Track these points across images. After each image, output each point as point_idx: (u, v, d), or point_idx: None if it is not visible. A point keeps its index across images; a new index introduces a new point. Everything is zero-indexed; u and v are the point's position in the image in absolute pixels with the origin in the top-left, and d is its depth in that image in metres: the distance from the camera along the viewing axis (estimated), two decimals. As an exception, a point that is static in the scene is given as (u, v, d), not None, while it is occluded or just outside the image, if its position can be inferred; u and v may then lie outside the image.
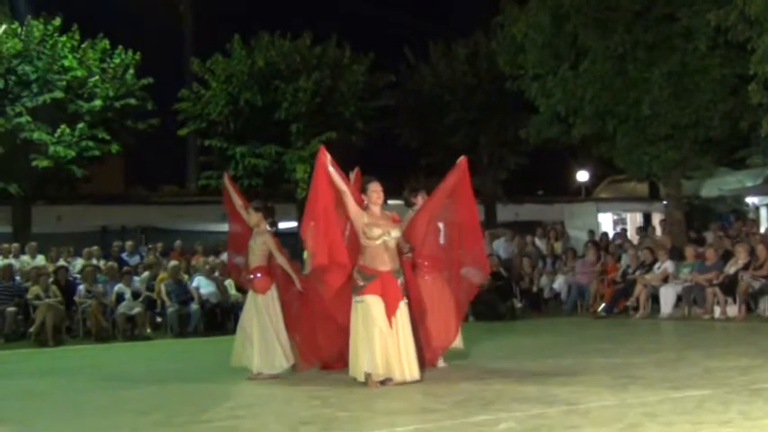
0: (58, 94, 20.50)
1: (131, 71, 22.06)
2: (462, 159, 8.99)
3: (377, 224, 7.97)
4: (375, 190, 8.12)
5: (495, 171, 26.85)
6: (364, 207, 8.08)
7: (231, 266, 11.31)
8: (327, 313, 8.74)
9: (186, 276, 17.11)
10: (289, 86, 22.36)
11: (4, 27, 20.50)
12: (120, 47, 22.17)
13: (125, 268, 17.24)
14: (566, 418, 5.86)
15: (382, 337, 7.74)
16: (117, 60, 21.93)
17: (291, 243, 12.57)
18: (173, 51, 31.26)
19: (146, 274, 17.24)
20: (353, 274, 8.00)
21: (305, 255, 9.41)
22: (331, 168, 8.00)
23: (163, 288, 16.43)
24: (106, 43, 22.04)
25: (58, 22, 21.06)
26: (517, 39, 18.41)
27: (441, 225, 9.09)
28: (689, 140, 17.91)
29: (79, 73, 21.02)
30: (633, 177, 24.63)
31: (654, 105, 17.11)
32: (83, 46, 21.62)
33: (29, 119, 20.17)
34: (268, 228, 9.26)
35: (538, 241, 20.69)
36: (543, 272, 18.92)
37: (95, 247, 18.97)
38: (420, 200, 9.16)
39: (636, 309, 15.83)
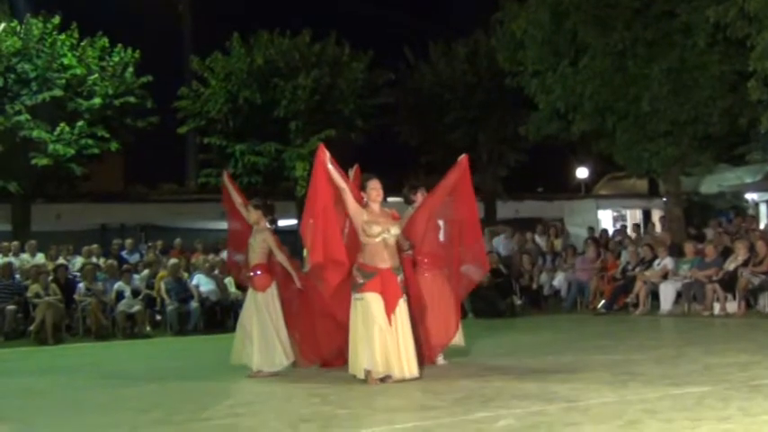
0: (58, 93, 20.51)
1: (131, 69, 22.07)
2: (463, 157, 8.99)
3: (376, 222, 7.97)
4: (374, 187, 8.12)
5: (495, 168, 26.85)
6: (364, 204, 8.08)
7: (231, 264, 11.31)
8: (327, 311, 8.75)
9: (186, 274, 17.11)
10: (288, 84, 22.37)
11: (3, 25, 20.51)
12: (120, 45, 22.19)
13: (125, 266, 17.24)
14: (565, 415, 5.86)
15: (382, 335, 7.74)
16: (116, 58, 21.94)
17: (291, 241, 12.56)
18: (172, 49, 31.25)
19: (145, 272, 17.25)
20: (353, 271, 8.00)
21: (305, 252, 9.41)
22: (330, 166, 8.00)
23: (162, 286, 16.43)
24: (105, 41, 22.05)
25: (57, 20, 21.07)
26: (517, 35, 18.42)
27: (440, 222, 9.09)
28: (688, 137, 17.91)
29: (78, 71, 21.03)
30: (633, 174, 24.67)
31: (653, 102, 17.11)
32: (82, 44, 21.63)
33: (28, 117, 20.18)
34: (268, 225, 9.26)
35: (538, 238, 20.70)
36: (543, 269, 18.91)
37: (95, 246, 18.98)
38: (419, 197, 9.16)
39: (635, 305, 15.83)
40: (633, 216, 29.75)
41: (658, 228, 20.62)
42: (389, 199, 8.95)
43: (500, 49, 19.75)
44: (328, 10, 33.34)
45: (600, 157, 23.29)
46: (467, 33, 26.29)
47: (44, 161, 20.32)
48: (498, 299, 16.76)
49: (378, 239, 7.93)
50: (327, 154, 8.05)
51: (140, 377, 9.81)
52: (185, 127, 23.64)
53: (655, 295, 15.77)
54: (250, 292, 9.18)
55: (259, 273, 9.07)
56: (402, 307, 7.92)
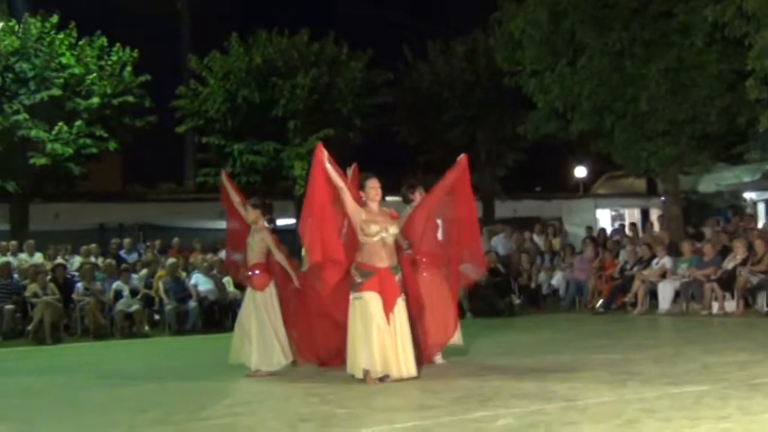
0: (56, 92, 20.50)
1: (129, 68, 22.06)
2: (463, 157, 8.99)
3: (374, 221, 7.97)
4: (373, 186, 8.12)
5: (494, 167, 26.86)
6: (362, 204, 8.08)
7: (229, 263, 11.29)
8: (325, 310, 8.75)
9: (184, 274, 17.09)
10: (286, 83, 22.37)
11: (1, 24, 20.52)
12: (118, 44, 22.18)
13: (123, 266, 17.24)
14: (564, 415, 5.86)
15: (380, 334, 7.74)
16: (114, 58, 21.93)
17: (289, 240, 12.55)
18: (170, 49, 31.24)
19: (144, 271, 17.24)
20: (351, 270, 8.00)
21: (303, 252, 9.41)
22: (328, 165, 7.99)
23: (161, 285, 16.42)
24: (104, 41, 22.03)
25: (55, 19, 21.06)
26: (515, 35, 18.40)
27: (439, 221, 9.08)
28: (686, 136, 17.93)
29: (77, 70, 21.02)
30: (631, 173, 24.67)
31: (651, 101, 17.12)
32: (80, 43, 21.61)
33: (26, 116, 20.17)
34: (266, 225, 9.25)
35: (536, 237, 20.69)
36: (541, 268, 18.91)
37: (94, 245, 18.97)
38: (418, 196, 9.16)
39: (634, 305, 15.83)
40: (631, 215, 29.76)
41: (657, 227, 20.61)
42: (388, 198, 8.96)
43: (498, 49, 19.74)
44: (327, 9, 33.37)
45: (598, 156, 23.33)
46: (465, 32, 26.33)
47: (42, 161, 20.32)
48: (497, 298, 16.76)
49: (376, 239, 7.93)
50: (326, 153, 8.04)
51: (139, 377, 9.80)
52: (183, 126, 23.63)
53: (653, 294, 15.77)
54: (249, 291, 9.18)
55: (257, 272, 9.06)
56: (400, 306, 7.92)
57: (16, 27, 20.71)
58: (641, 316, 15.27)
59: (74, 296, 16.03)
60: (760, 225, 19.62)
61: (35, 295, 15.57)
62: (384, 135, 26.36)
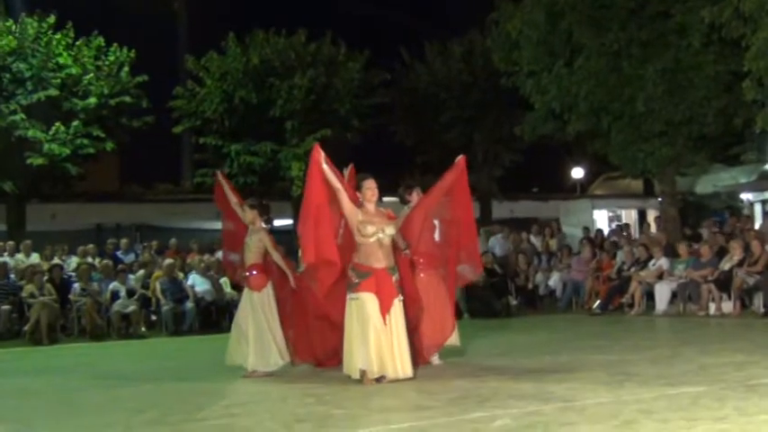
0: (53, 92, 20.47)
1: (126, 69, 22.02)
2: (461, 158, 9.01)
3: (371, 221, 7.97)
4: (369, 187, 8.11)
5: (491, 168, 26.86)
6: (359, 204, 8.08)
7: (226, 264, 11.29)
8: (321, 311, 8.74)
9: (181, 274, 17.07)
10: (284, 84, 22.35)
11: (-2, 24, 20.48)
12: (115, 44, 22.13)
13: (120, 266, 17.22)
14: (561, 415, 5.86)
15: (376, 335, 7.74)
16: (112, 58, 21.89)
17: (286, 240, 12.57)
18: (167, 49, 31.24)
19: (141, 272, 17.22)
20: (348, 271, 8.00)
21: (300, 252, 9.42)
22: (325, 166, 7.99)
23: (158, 286, 16.40)
24: (101, 41, 21.99)
25: (52, 19, 21.02)
26: (512, 36, 18.42)
27: (436, 222, 9.09)
28: (683, 137, 17.95)
29: (74, 71, 20.99)
30: (628, 174, 24.68)
31: (648, 102, 17.14)
32: (77, 43, 21.58)
33: (23, 117, 20.14)
34: (263, 225, 9.25)
35: (533, 238, 20.71)
36: (538, 269, 18.93)
37: (91, 246, 18.95)
38: (415, 197, 9.17)
39: (631, 306, 15.85)
40: (628, 216, 29.79)
41: (654, 228, 20.63)
42: (385, 199, 8.96)
43: (495, 50, 19.76)
44: (324, 9, 33.35)
45: (595, 157, 23.33)
46: (462, 33, 26.33)
47: (39, 161, 20.29)
48: (494, 299, 16.77)
49: (372, 239, 7.93)
50: (322, 154, 8.04)
51: (135, 377, 9.79)
52: (181, 127, 23.59)
53: (650, 295, 15.78)
54: (246, 291, 9.18)
55: (255, 273, 9.06)
56: (397, 307, 7.92)
57: (13, 27, 20.68)
58: (638, 317, 15.28)
59: (71, 297, 16.02)
60: (756, 226, 19.62)
61: (32, 296, 15.55)
62: (381, 135, 26.36)
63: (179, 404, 7.50)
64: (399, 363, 7.79)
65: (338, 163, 8.36)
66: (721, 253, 15.44)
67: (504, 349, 10.96)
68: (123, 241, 19.84)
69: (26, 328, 15.13)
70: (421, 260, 8.89)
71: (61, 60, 20.84)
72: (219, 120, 22.79)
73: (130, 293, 16.32)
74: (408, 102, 26.07)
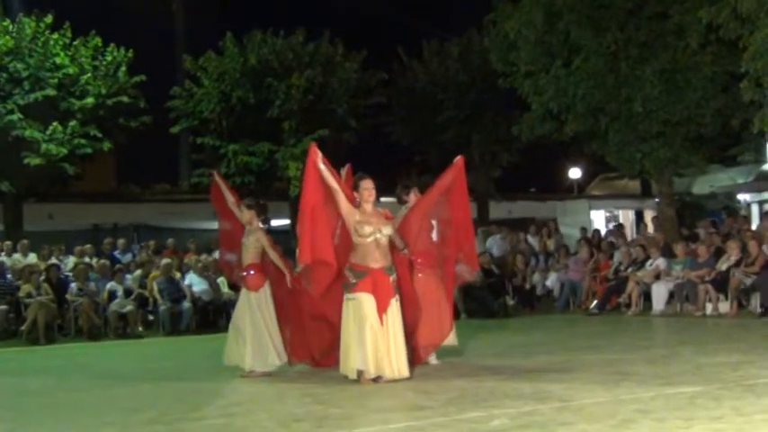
0: (50, 92, 20.42)
1: (123, 69, 21.97)
2: (459, 159, 9.01)
3: (368, 222, 7.97)
4: (366, 187, 8.12)
5: (488, 168, 26.84)
6: (356, 205, 8.08)
7: (223, 264, 11.28)
8: (318, 311, 8.74)
9: (178, 274, 17.07)
10: (281, 84, 22.33)
11: (-5, 24, 20.45)
12: (113, 44, 22.07)
13: (117, 266, 17.22)
14: (559, 415, 5.86)
15: (373, 335, 7.74)
16: (109, 58, 21.85)
17: (283, 241, 12.56)
18: (165, 49, 31.16)
19: (138, 271, 17.21)
20: (345, 271, 8.01)
21: (297, 253, 9.42)
22: (322, 166, 8.00)
23: (155, 286, 16.40)
24: (98, 41, 21.94)
25: (49, 19, 20.97)
26: (510, 36, 18.39)
27: (433, 222, 9.09)
28: (680, 138, 17.95)
29: (71, 70, 20.94)
30: (625, 174, 24.68)
31: (646, 102, 17.14)
32: (75, 43, 21.53)
33: (20, 116, 20.09)
34: (261, 225, 9.25)
35: (530, 238, 20.72)
36: (536, 269, 18.95)
37: (88, 246, 18.92)
38: (413, 197, 9.17)
39: (628, 306, 15.86)
40: (626, 216, 29.80)
41: (651, 228, 20.64)
42: (382, 199, 8.96)
43: (493, 50, 19.74)
44: (322, 10, 33.33)
45: (592, 157, 23.32)
46: (460, 33, 26.32)
47: (36, 161, 20.24)
48: (491, 299, 16.78)
49: (370, 240, 7.94)
50: (319, 154, 8.05)
51: (133, 377, 9.80)
52: (178, 127, 23.58)
53: (647, 295, 15.79)
54: (243, 291, 9.18)
55: (252, 272, 9.06)
56: (394, 307, 7.92)
57: (10, 27, 20.63)
58: (635, 317, 15.29)
59: (68, 296, 16.00)
60: (754, 227, 19.64)
61: (29, 295, 15.54)
62: (378, 136, 26.34)
63: (176, 404, 7.50)
64: (396, 363, 7.79)
65: (335, 163, 8.37)
66: (718, 253, 15.46)
67: (501, 349, 10.97)
68: (120, 241, 19.82)
69: (23, 327, 15.12)
70: (419, 260, 8.89)
71: (58, 60, 20.79)
72: (217, 120, 22.78)
73: (127, 293, 16.32)
74: (406, 102, 26.05)
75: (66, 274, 17.12)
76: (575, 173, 35.00)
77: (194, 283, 16.70)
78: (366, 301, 7.81)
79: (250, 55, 22.65)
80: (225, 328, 10.67)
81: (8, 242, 18.51)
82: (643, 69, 17.05)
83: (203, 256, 18.09)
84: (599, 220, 28.70)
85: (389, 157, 27.28)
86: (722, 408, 5.82)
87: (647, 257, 16.30)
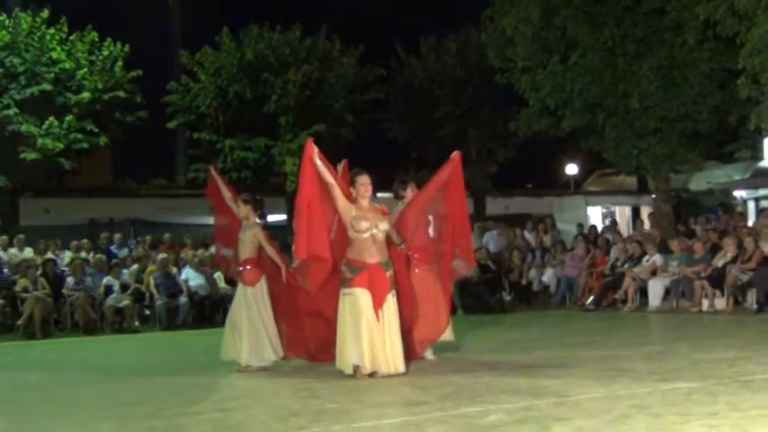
0: (47, 87, 20.39)
1: (120, 63, 21.94)
2: (456, 154, 9.00)
3: (365, 217, 7.97)
4: (363, 183, 8.12)
5: (485, 164, 26.83)
6: (353, 200, 8.08)
7: (220, 259, 11.30)
8: (314, 307, 8.76)
9: (175, 269, 17.07)
10: (278, 79, 22.30)
11: (-9, 19, 20.41)
12: (109, 39, 22.04)
13: (113, 261, 17.21)
14: (555, 410, 5.87)
15: (369, 330, 7.75)
16: (105, 53, 21.81)
17: (280, 236, 12.56)
18: (161, 44, 31.16)
19: (134, 266, 17.20)
20: (342, 266, 8.01)
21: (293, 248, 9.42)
22: (318, 161, 8.00)
23: (151, 281, 16.39)
24: (95, 35, 21.90)
25: (46, 14, 20.94)
26: (507, 32, 18.38)
27: (430, 217, 9.09)
28: (677, 134, 17.97)
29: (67, 65, 20.91)
30: (622, 171, 24.69)
31: (642, 98, 17.15)
32: (71, 38, 21.50)
33: (17, 111, 20.07)
34: (257, 220, 9.25)
35: (527, 234, 20.72)
36: (532, 265, 18.94)
37: (84, 240, 18.94)
38: (409, 192, 9.16)
39: (624, 302, 15.87)
40: (622, 213, 29.84)
41: (647, 224, 20.66)
42: (379, 194, 8.97)
43: (490, 46, 19.72)
44: (319, 5, 33.30)
45: (589, 153, 23.33)
46: (457, 29, 26.30)
47: (33, 155, 20.22)
48: (487, 295, 16.78)
49: (366, 235, 7.94)
50: (315, 150, 8.04)
51: (129, 372, 9.80)
52: (175, 122, 23.53)
53: (643, 291, 15.80)
54: (240, 286, 9.18)
55: (249, 267, 9.06)
56: (390, 302, 7.93)
57: (7, 22, 20.59)
58: (632, 313, 15.31)
59: (64, 291, 16.01)
60: (750, 223, 19.68)
61: (25, 290, 15.52)
62: (375, 131, 26.33)
63: (173, 398, 7.49)
64: (391, 359, 7.80)
65: (332, 159, 8.37)
66: (714, 250, 15.48)
67: (497, 345, 10.99)
68: (117, 236, 19.82)
69: (19, 322, 15.11)
70: (416, 255, 8.90)
71: (55, 55, 20.76)
72: (213, 115, 22.75)
73: (124, 288, 16.31)
74: (403, 97, 26.02)
75: (63, 269, 17.14)
76: (571, 169, 35.02)
77: (191, 277, 16.69)
78: (362, 296, 7.82)
79: (247, 50, 22.63)
80: (221, 323, 10.66)
81: (4, 237, 18.51)
82: (640, 65, 17.06)
83: (200, 251, 18.08)
84: (596, 216, 28.74)
85: (386, 152, 27.31)
86: (718, 403, 5.83)
87: (644, 253, 16.32)
